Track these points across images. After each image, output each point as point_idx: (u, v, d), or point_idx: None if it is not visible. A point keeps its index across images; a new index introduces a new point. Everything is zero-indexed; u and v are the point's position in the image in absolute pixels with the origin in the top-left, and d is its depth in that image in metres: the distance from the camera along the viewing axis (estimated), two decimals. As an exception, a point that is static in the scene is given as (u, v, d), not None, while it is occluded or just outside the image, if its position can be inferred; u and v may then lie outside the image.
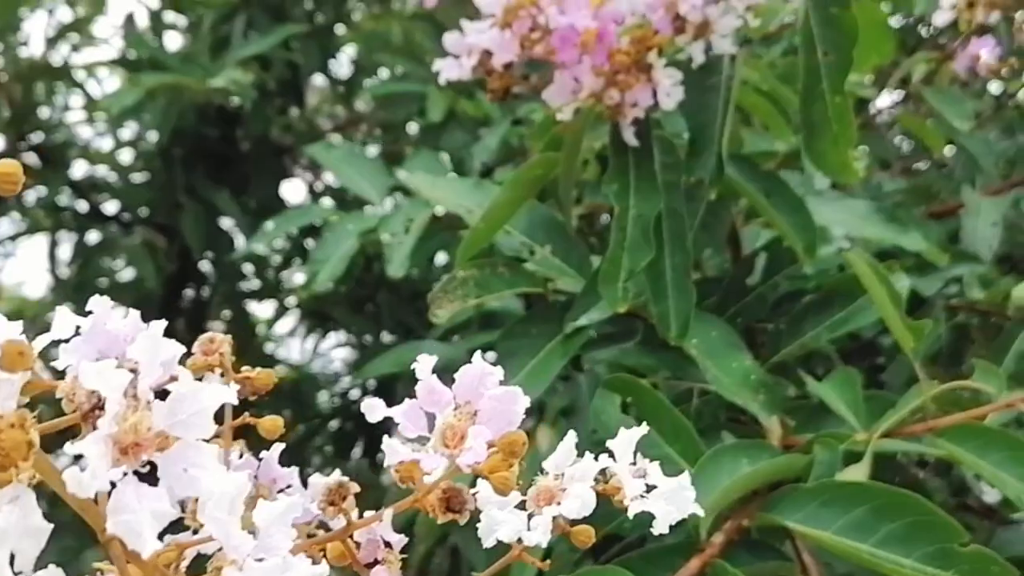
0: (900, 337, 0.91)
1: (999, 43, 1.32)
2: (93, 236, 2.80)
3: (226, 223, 2.82)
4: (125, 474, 0.31)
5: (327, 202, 3.13)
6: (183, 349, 0.39)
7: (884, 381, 1.37)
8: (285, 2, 2.63)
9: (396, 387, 3.11)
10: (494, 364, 1.05)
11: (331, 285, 1.65)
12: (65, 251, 2.90)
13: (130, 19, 2.75)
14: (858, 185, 1.39)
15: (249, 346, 3.63)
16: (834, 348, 1.34)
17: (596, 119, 0.99)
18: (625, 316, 1.07)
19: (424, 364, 0.38)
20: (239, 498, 0.33)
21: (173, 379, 0.35)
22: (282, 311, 4.33)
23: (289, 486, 0.50)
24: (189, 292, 3.34)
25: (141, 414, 0.31)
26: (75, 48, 2.67)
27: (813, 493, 0.85)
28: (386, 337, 3.03)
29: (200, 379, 0.43)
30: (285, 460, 0.50)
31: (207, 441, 0.33)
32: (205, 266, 3.14)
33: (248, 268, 3.41)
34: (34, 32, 2.73)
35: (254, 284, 3.55)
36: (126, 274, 3.07)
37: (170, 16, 2.79)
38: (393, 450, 0.37)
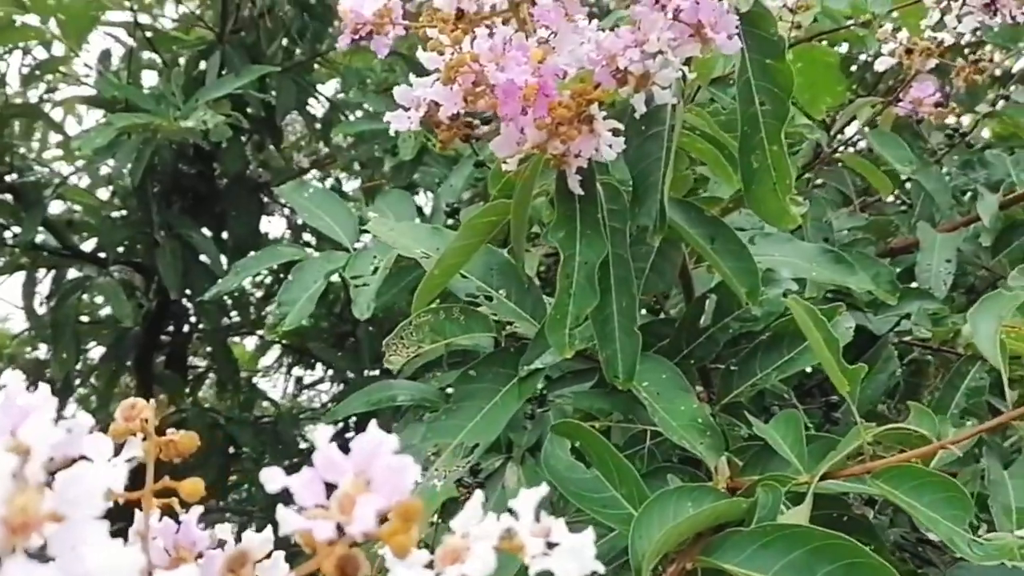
0: (836, 381, 0.93)
1: (939, 87, 1.35)
2: (71, 274, 2.82)
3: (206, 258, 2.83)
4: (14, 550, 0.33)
5: (308, 237, 3.16)
6: (91, 422, 0.41)
7: (838, 417, 1.39)
8: (260, 41, 2.66)
9: (376, 422, 3.12)
10: (451, 407, 1.07)
11: (306, 323, 1.66)
12: (44, 288, 2.92)
13: (105, 57, 2.78)
14: (812, 224, 1.42)
15: (233, 381, 3.64)
16: (788, 387, 1.36)
17: (546, 165, 1.02)
18: (586, 355, 1.10)
19: (322, 434, 0.40)
20: (132, 571, 0.35)
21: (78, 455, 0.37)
22: (265, 345, 4.33)
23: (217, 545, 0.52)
24: (171, 328, 3.36)
25: (29, 495, 0.33)
26: (50, 88, 2.70)
27: (753, 536, 0.87)
28: (369, 372, 3.06)
29: (121, 444, 0.45)
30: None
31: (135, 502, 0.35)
32: (186, 302, 3.15)
33: (231, 302, 3.43)
34: (10, 71, 2.75)
35: (238, 318, 3.57)
36: (105, 311, 3.09)
37: (146, 54, 2.82)
38: (286, 520, 0.39)
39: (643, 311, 1.38)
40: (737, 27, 0.94)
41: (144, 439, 0.50)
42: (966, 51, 1.54)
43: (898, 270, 1.83)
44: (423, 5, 0.98)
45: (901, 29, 1.34)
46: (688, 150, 1.18)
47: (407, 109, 0.96)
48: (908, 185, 1.86)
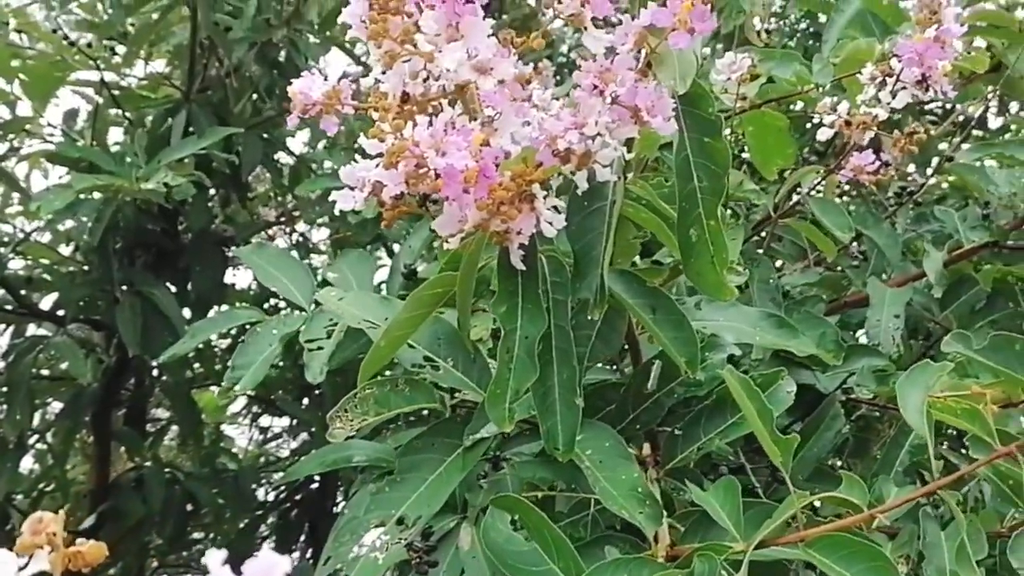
0: (770, 452, 0.96)
1: (878, 156, 1.40)
2: (29, 330, 2.81)
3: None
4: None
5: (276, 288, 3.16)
6: None
7: (782, 477, 1.41)
8: (228, 99, 2.69)
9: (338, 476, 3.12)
10: (395, 479, 1.09)
11: (272, 373, 1.66)
12: (1, 345, 2.90)
13: (71, 116, 2.80)
14: (759, 286, 1.46)
15: (195, 435, 3.62)
16: (735, 447, 1.39)
17: (490, 239, 1.04)
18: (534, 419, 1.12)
19: (214, 558, 0.42)
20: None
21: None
22: (230, 398, 4.29)
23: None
24: (132, 382, 3.34)
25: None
26: (13, 148, 2.70)
27: (690, 607, 0.89)
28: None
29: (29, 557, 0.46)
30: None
31: None
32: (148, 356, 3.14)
33: (194, 355, 3.42)
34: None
35: (201, 370, 3.56)
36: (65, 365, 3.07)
37: (114, 110, 2.84)
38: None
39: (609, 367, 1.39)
40: (674, 109, 0.97)
41: (51, 552, 0.51)
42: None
43: (853, 322, 1.88)
44: (372, 87, 1.01)
45: (841, 103, 1.39)
46: (633, 219, 1.21)
47: (353, 188, 0.98)
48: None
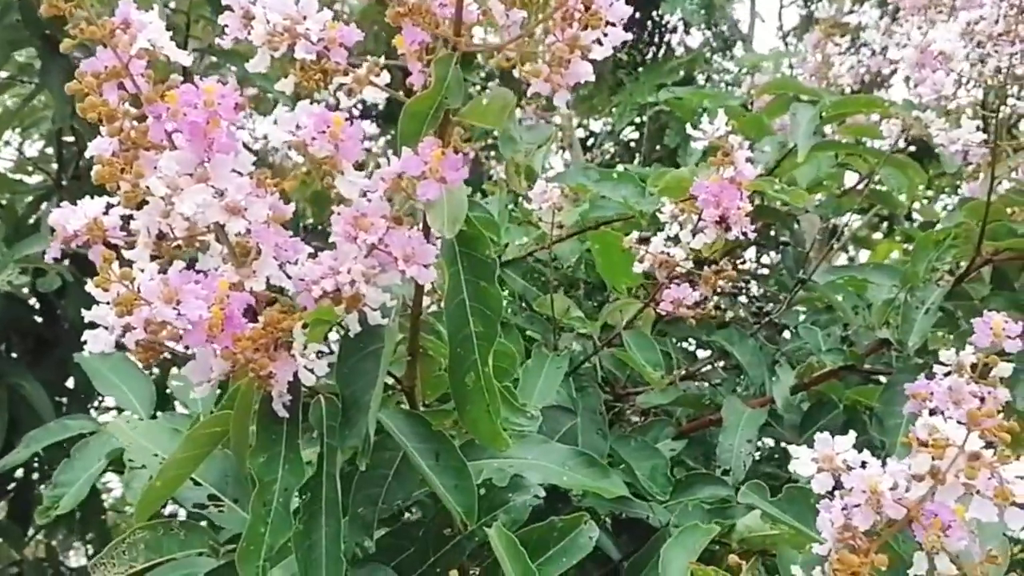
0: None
1: (695, 288, 1.38)
2: None
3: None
4: None
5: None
6: None
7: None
8: (103, 187, 2.62)
9: None
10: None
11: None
12: None
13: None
14: (584, 415, 1.42)
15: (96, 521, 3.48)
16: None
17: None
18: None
19: None
20: None
21: None
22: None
23: None
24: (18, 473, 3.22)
25: None
26: None
27: None
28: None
29: None
30: None
31: None
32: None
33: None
34: None
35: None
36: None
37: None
38: None
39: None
40: (437, 256, 0.94)
41: None
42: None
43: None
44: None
45: (650, 240, 1.37)
46: (435, 354, 1.17)
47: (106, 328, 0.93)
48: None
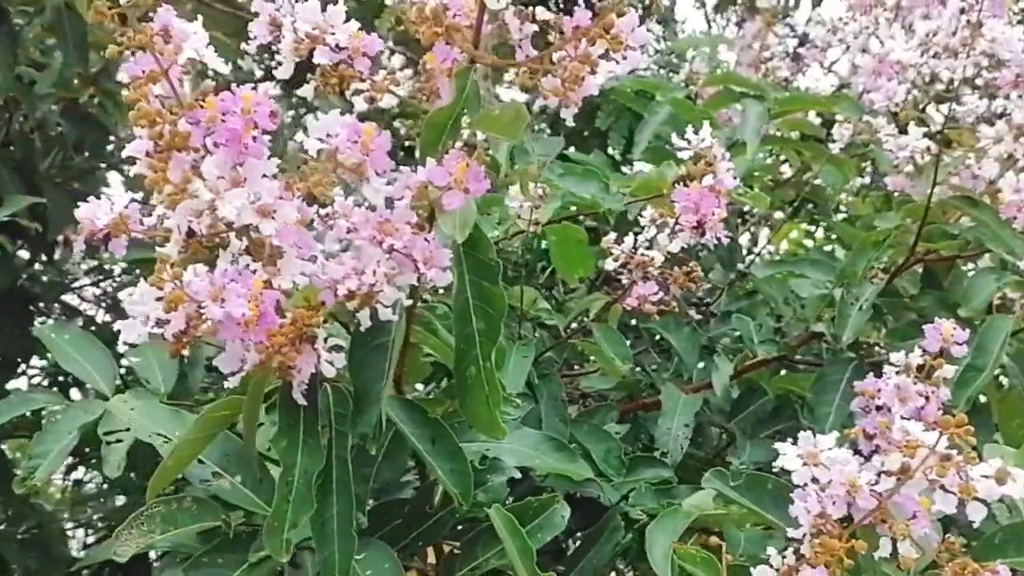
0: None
1: (660, 287, 1.49)
2: None
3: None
4: None
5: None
6: None
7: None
8: (33, 156, 2.60)
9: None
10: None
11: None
12: None
13: None
14: (547, 403, 1.52)
15: (4, 491, 3.44)
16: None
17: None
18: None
19: None
20: None
21: None
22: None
23: None
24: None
25: None
26: None
27: None
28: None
29: None
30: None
31: None
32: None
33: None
34: None
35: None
36: None
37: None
38: None
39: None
40: (451, 258, 1.02)
41: None
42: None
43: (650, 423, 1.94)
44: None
45: (623, 241, 1.48)
46: (423, 344, 1.25)
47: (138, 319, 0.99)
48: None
